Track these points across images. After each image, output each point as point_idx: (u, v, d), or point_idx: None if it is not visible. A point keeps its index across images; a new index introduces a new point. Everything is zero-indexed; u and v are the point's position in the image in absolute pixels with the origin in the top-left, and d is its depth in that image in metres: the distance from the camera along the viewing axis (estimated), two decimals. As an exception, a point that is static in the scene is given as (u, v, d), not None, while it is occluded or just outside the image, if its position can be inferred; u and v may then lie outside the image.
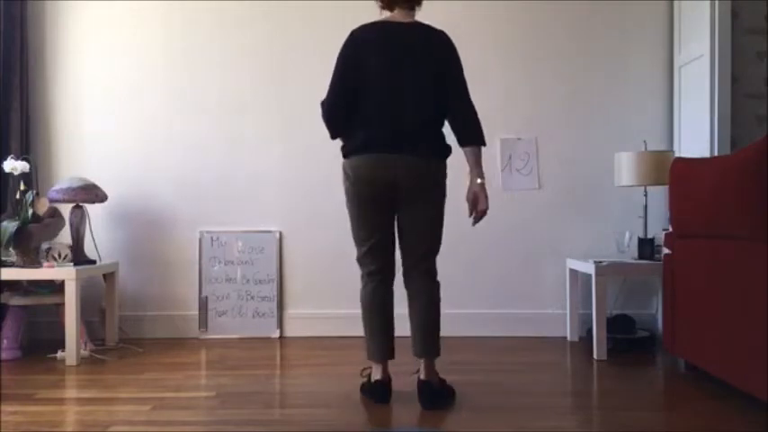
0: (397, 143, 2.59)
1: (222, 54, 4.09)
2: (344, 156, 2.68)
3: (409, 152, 2.59)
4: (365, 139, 2.60)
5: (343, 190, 2.71)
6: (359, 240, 2.72)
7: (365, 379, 2.81)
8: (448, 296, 3.97)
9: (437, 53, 2.66)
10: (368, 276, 2.73)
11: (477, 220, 2.70)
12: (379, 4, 2.74)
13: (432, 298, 2.75)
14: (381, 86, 2.61)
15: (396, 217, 2.71)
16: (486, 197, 2.67)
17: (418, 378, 2.68)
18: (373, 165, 2.60)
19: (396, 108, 2.60)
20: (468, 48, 4.04)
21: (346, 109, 2.65)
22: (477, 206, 2.67)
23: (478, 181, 2.66)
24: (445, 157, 2.71)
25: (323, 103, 2.70)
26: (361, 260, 2.75)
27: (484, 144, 2.69)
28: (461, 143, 2.69)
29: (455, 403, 2.65)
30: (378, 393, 2.66)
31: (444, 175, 2.71)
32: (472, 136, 2.67)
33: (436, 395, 2.64)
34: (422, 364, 2.68)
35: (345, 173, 2.67)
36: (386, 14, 2.73)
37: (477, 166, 2.67)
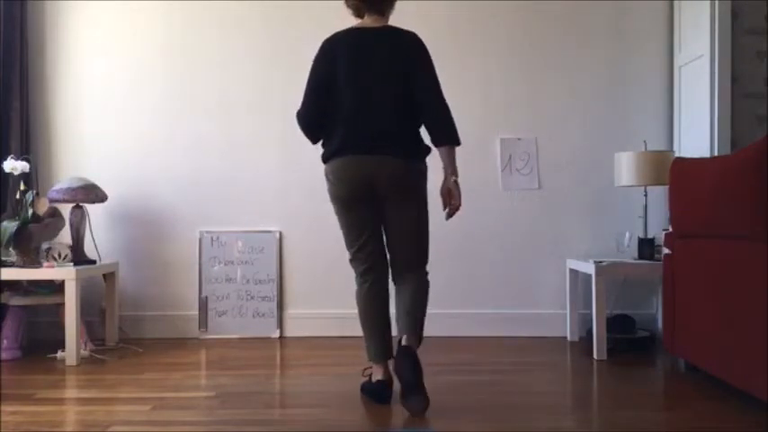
0: (372, 144, 2.62)
1: (222, 54, 4.09)
2: (324, 161, 2.73)
3: (384, 152, 2.62)
4: (340, 143, 2.64)
5: (328, 196, 2.76)
6: (348, 242, 2.77)
7: (366, 379, 2.81)
8: (448, 296, 3.99)
9: (407, 54, 2.68)
10: (361, 277, 2.76)
11: (450, 215, 2.72)
12: (351, 12, 2.80)
13: (423, 293, 2.75)
14: (353, 90, 2.64)
15: (382, 221, 2.75)
16: (460, 194, 2.70)
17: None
18: (350, 166, 2.64)
19: (368, 110, 2.63)
20: (469, 48, 4.06)
21: (321, 116, 2.71)
22: (452, 201, 2.70)
23: (453, 179, 2.69)
24: (422, 158, 2.72)
25: (298, 114, 2.75)
26: (352, 261, 2.78)
27: (457, 143, 2.70)
28: (434, 143, 2.71)
29: (452, 397, 2.66)
30: (378, 393, 2.67)
31: (423, 176, 2.73)
32: (444, 135, 2.68)
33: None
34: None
35: (327, 177, 2.73)
36: (358, 22, 2.79)
37: (450, 165, 2.70)
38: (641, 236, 3.66)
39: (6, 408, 2.62)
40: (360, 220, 2.72)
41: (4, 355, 3.50)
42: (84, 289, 3.86)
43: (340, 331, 3.96)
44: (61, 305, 3.52)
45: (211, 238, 4.06)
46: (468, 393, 2.78)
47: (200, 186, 4.09)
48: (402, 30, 2.73)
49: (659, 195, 3.90)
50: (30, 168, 3.60)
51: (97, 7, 4.10)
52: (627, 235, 3.69)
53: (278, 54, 4.08)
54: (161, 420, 2.45)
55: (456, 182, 2.69)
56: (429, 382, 2.60)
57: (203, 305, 4.04)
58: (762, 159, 2.38)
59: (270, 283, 4.04)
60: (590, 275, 3.49)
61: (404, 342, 2.61)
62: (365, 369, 2.89)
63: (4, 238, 3.43)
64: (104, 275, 3.85)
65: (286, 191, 4.07)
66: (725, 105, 3.53)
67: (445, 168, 2.70)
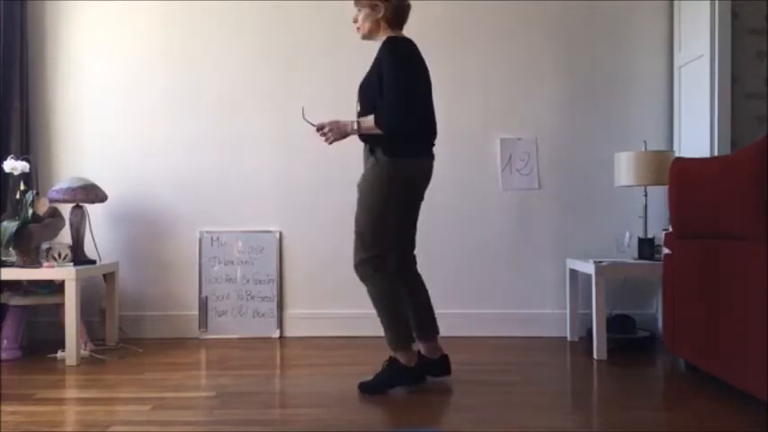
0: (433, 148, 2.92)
1: (222, 54, 4.09)
2: (403, 155, 2.78)
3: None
4: (425, 144, 2.84)
5: (376, 188, 2.78)
6: (386, 237, 2.81)
7: (399, 367, 2.81)
8: (448, 296, 3.99)
9: None
10: (385, 270, 2.80)
11: (313, 124, 2.84)
12: (392, 21, 2.85)
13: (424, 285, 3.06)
14: (429, 94, 2.86)
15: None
16: (330, 129, 2.82)
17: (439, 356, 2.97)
18: (428, 168, 2.86)
19: (433, 115, 2.90)
20: (469, 48, 4.06)
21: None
22: (329, 124, 2.82)
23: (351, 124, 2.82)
24: None
25: (405, 103, 2.72)
26: (383, 255, 2.80)
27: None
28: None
29: (452, 398, 2.66)
30: (423, 374, 2.84)
31: None
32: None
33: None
34: (425, 345, 2.96)
35: (398, 173, 2.77)
36: (387, 32, 2.85)
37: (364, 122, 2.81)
38: (641, 236, 3.66)
39: (6, 408, 2.62)
40: (405, 221, 2.88)
41: (4, 355, 3.50)
42: (85, 289, 3.86)
43: (340, 331, 3.96)
44: (61, 305, 3.52)
45: (211, 238, 4.06)
46: (468, 393, 2.78)
47: (201, 186, 4.09)
48: None
49: (659, 195, 3.90)
50: (30, 168, 3.60)
51: (97, 7, 4.10)
52: (627, 235, 3.69)
53: (278, 54, 4.07)
54: (161, 420, 2.45)
55: (343, 123, 2.82)
56: (427, 382, 2.62)
57: (203, 305, 4.04)
58: (762, 160, 2.38)
59: (270, 284, 4.04)
60: (590, 275, 3.48)
61: (442, 353, 2.97)
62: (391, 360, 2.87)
63: (5, 238, 3.43)
64: (104, 275, 3.85)
65: (286, 191, 4.07)
66: (725, 105, 3.53)
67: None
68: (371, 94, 2.78)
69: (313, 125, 2.84)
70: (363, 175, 2.85)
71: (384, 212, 2.77)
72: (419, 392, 2.80)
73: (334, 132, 2.81)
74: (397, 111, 2.69)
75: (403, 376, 2.80)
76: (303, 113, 2.84)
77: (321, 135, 2.84)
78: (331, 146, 2.92)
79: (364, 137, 2.82)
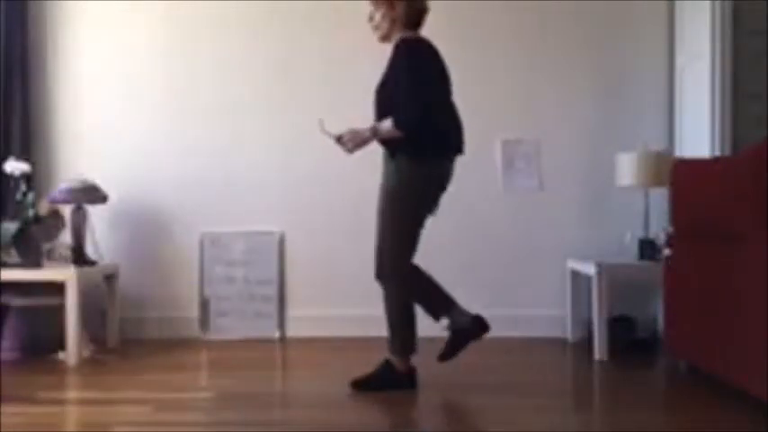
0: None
1: (223, 54, 4.08)
2: (423, 157, 2.75)
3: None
4: (445, 145, 2.79)
5: (398, 195, 2.76)
6: (411, 242, 2.80)
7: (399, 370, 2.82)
8: (448, 297, 3.98)
9: None
10: (409, 274, 2.81)
11: (333, 135, 2.78)
12: (409, 21, 2.82)
13: None
14: (448, 94, 2.82)
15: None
16: (357, 137, 2.77)
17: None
18: (446, 171, 2.81)
19: (455, 116, 2.85)
20: (469, 48, 4.06)
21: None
22: (347, 133, 2.77)
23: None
24: None
25: (423, 104, 2.72)
26: (408, 259, 2.80)
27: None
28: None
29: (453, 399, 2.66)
30: (411, 381, 2.79)
31: None
32: None
33: None
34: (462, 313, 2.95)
35: (419, 176, 2.75)
36: (402, 33, 2.82)
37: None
38: (642, 237, 3.65)
39: (6, 409, 2.61)
40: (423, 221, 2.83)
41: (4, 356, 3.50)
42: (85, 290, 3.86)
43: (341, 332, 3.95)
44: (62, 306, 3.52)
45: (212, 239, 4.06)
46: (468, 394, 2.78)
47: (201, 187, 4.08)
48: None
49: (660, 196, 3.89)
50: (30, 169, 3.61)
51: (98, 7, 4.09)
52: (628, 235, 3.69)
53: (279, 53, 4.07)
54: (162, 421, 2.45)
55: (359, 132, 2.79)
56: (428, 383, 2.62)
57: (204, 306, 4.04)
58: (763, 160, 2.38)
59: (271, 284, 4.04)
60: (591, 276, 3.48)
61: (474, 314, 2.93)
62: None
63: (5, 238, 3.43)
64: (105, 276, 3.85)
65: (287, 191, 4.06)
66: (725, 106, 3.52)
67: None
68: (389, 97, 2.76)
69: (332, 136, 2.80)
70: (384, 183, 2.81)
71: (407, 218, 2.77)
72: (418, 393, 2.80)
73: (353, 141, 2.77)
74: (414, 112, 2.68)
75: (395, 381, 2.79)
76: (322, 125, 2.77)
77: (341, 145, 2.80)
78: (335, 147, 2.90)
79: (385, 141, 2.79)
